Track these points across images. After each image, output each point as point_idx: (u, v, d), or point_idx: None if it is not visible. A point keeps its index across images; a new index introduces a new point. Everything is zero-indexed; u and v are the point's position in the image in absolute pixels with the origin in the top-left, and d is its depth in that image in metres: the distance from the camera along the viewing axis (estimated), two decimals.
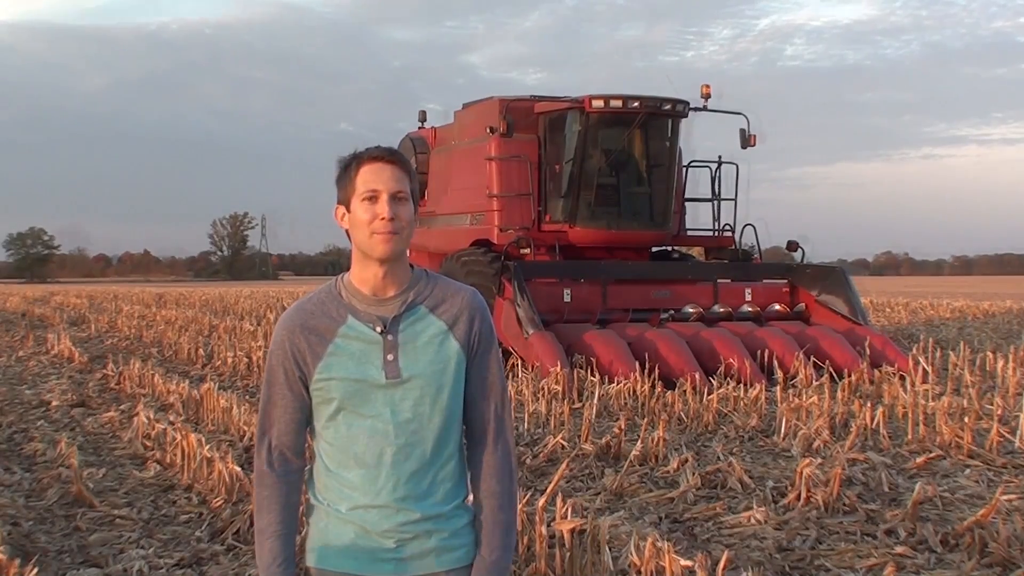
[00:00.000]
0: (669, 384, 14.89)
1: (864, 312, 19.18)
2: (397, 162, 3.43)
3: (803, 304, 19.50)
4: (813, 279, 19.61)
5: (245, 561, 7.50)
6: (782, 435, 11.77)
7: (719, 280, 19.68)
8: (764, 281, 20.11)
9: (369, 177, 3.40)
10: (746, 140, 20.40)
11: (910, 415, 12.03)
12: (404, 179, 3.42)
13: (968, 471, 10.13)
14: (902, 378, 15.21)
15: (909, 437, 11.62)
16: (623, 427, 11.54)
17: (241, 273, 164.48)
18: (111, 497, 9.45)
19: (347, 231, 3.49)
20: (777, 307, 19.32)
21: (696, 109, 19.94)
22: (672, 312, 18.38)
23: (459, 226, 21.02)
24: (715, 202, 20.88)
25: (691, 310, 18.50)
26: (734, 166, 20.68)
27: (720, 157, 20.84)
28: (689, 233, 21.37)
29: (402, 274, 3.49)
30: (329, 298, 3.51)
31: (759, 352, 16.58)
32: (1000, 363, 16.44)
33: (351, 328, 3.44)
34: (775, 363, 16.25)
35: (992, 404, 13.02)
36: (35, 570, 6.18)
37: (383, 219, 3.36)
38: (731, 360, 16.02)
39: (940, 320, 32.53)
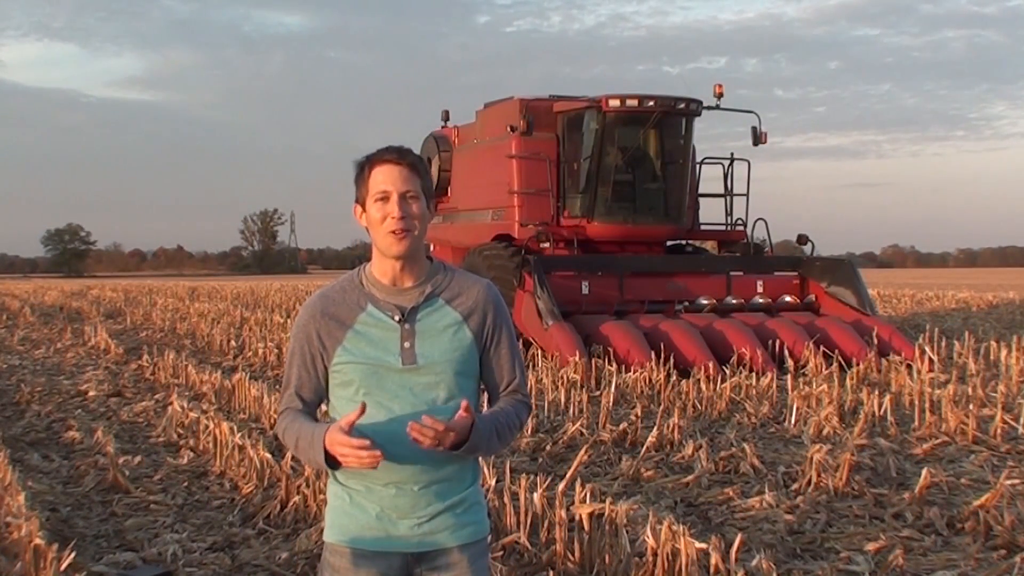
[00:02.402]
0: (684, 373, 14.87)
1: (872, 303, 19.13)
2: (406, 162, 3.48)
3: (813, 295, 19.42)
4: (822, 271, 19.52)
5: (275, 544, 7.50)
6: (793, 422, 11.72)
7: (732, 273, 19.62)
8: (775, 273, 20.05)
9: (380, 178, 3.46)
10: (758, 137, 20.34)
11: (916, 403, 12.01)
12: (414, 178, 3.47)
13: (973, 457, 10.11)
14: (909, 367, 15.16)
15: (916, 424, 11.58)
16: (639, 415, 11.57)
17: (271, 267, 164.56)
18: (146, 483, 9.45)
19: (366, 228, 3.54)
20: (788, 298, 19.26)
21: (709, 108, 19.88)
22: (686, 303, 18.34)
23: (481, 221, 21.02)
24: (727, 197, 20.82)
25: (705, 301, 18.46)
26: (746, 162, 20.62)
27: (732, 154, 20.78)
28: (702, 227, 21.31)
29: (420, 266, 3.56)
30: (351, 286, 3.58)
31: (770, 342, 16.53)
32: (1004, 352, 16.38)
33: (371, 315, 3.51)
34: (786, 352, 16.23)
35: (996, 392, 12.96)
36: (72, 555, 6.18)
37: (394, 218, 3.42)
38: (743, 350, 15.97)
39: (945, 311, 32.41)
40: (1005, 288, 49.29)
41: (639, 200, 20.03)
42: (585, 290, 18.06)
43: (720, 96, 19.88)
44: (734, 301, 18.76)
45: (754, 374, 14.43)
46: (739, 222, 20.74)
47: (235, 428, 10.18)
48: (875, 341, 16.74)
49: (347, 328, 3.51)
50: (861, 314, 18.49)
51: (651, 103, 19.11)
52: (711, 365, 15.04)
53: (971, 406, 11.71)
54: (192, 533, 7.88)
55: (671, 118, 19.67)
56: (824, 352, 16.12)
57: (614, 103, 19.07)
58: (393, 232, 3.43)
